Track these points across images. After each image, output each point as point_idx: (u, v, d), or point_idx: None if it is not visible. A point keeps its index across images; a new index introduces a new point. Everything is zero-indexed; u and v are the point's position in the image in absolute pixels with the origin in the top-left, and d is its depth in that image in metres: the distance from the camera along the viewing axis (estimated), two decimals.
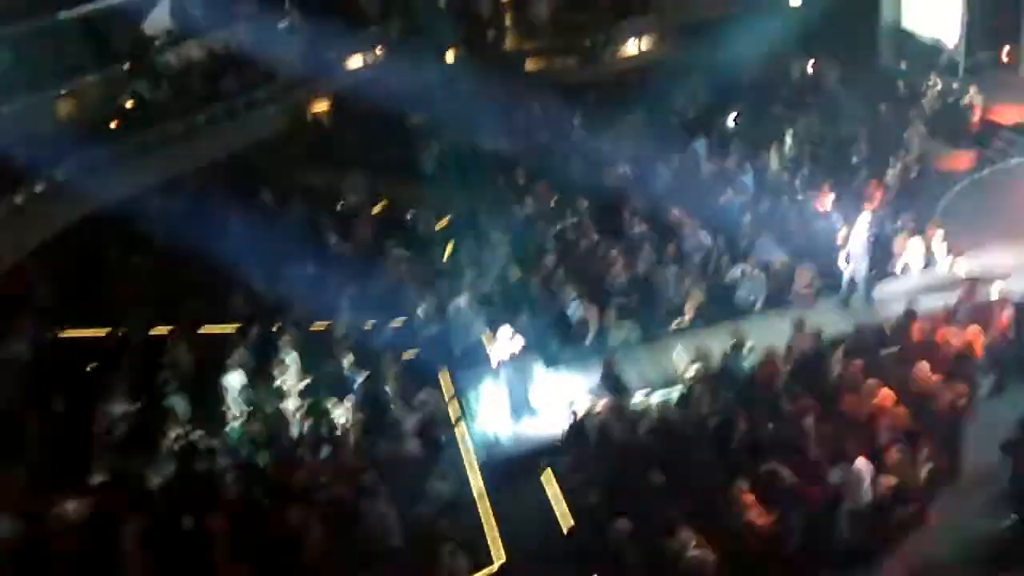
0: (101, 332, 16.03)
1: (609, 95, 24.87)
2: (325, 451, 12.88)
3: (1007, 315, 13.31)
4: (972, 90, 20.92)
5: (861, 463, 10.81)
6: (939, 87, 21.59)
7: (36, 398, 14.20)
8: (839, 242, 15.84)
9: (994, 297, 13.76)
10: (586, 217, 18.64)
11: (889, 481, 10.79)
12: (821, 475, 11.06)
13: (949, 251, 15.95)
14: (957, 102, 21.05)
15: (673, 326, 15.48)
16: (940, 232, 16.11)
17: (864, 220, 15.19)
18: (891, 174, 18.73)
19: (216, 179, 21.09)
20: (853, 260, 15.31)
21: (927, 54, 22.97)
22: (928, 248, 16.04)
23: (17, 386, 14.65)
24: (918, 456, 11.11)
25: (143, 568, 11.07)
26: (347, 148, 22.77)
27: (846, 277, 15.49)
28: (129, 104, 21.78)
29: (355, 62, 25.08)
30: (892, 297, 15.08)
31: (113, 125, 21.13)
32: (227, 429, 13.76)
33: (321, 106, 24.33)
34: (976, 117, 20.64)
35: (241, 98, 22.40)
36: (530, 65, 26.90)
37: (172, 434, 13.32)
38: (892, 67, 23.99)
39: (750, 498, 10.69)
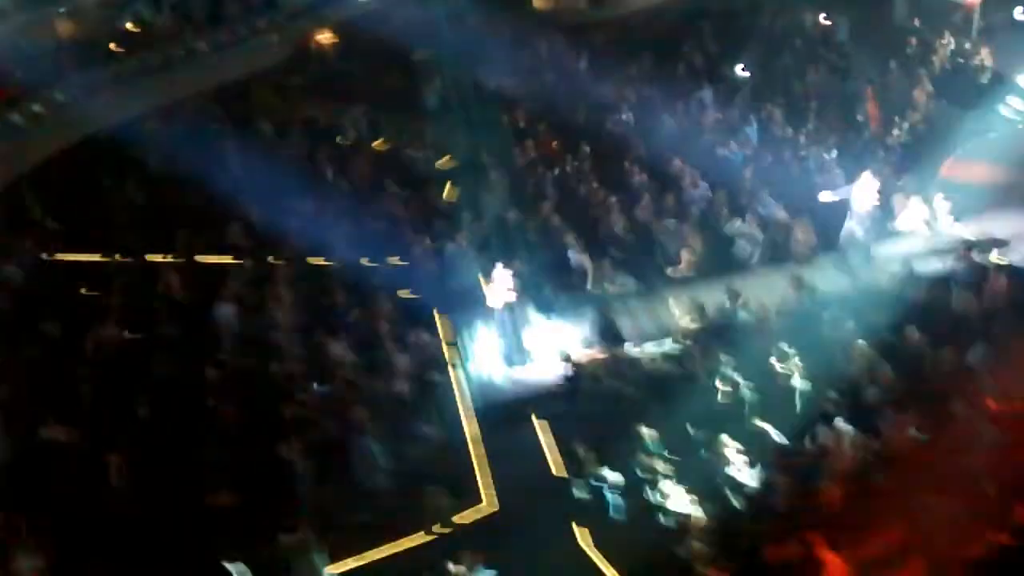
0: (96, 257, 15.97)
1: (617, 39, 24.49)
2: (316, 386, 12.92)
3: (1002, 281, 13.31)
4: (984, 51, 20.61)
5: (843, 424, 10.91)
6: (952, 46, 21.28)
7: (28, 321, 14.17)
8: (840, 199, 15.71)
9: (991, 262, 13.72)
10: (587, 163, 18.48)
11: (872, 443, 10.90)
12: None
13: (950, 213, 15.85)
14: (968, 62, 20.77)
15: (669, 277, 15.45)
16: (941, 194, 16.00)
17: (866, 178, 15.07)
18: (896, 133, 18.55)
19: (215, 106, 20.84)
20: (854, 218, 15.21)
21: (942, 12, 22.60)
22: (929, 209, 15.94)
23: (8, 309, 14.61)
24: (904, 418, 11.21)
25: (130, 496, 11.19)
26: (349, 81, 22.46)
27: (846, 235, 15.42)
28: (130, 26, 21.42)
29: None
30: (891, 257, 15.03)
31: (113, 47, 20.78)
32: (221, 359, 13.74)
33: (325, 37, 23.93)
34: (986, 78, 20.36)
35: (243, 25, 22.01)
36: (538, 3, 26.45)
37: (164, 362, 13.30)
38: (906, 23, 23.61)
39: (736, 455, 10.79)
